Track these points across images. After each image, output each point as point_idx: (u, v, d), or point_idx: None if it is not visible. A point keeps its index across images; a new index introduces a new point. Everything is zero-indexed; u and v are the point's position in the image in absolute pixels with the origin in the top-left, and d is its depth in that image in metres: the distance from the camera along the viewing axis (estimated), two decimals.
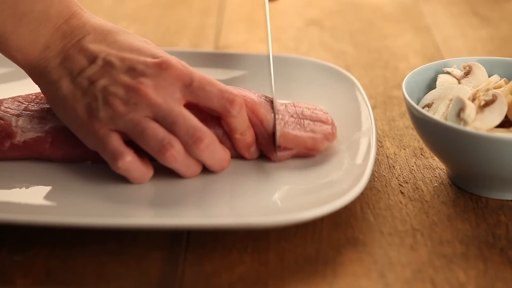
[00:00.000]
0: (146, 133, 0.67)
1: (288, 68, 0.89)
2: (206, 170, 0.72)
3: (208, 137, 0.68)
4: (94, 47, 0.70)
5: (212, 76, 0.80)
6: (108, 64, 0.69)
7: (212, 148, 0.68)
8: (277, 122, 0.73)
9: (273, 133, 0.73)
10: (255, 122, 0.73)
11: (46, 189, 0.69)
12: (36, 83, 0.72)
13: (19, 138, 0.72)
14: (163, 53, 0.70)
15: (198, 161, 0.69)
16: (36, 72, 0.71)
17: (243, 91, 0.74)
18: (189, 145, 0.67)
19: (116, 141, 0.67)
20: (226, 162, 0.71)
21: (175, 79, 0.68)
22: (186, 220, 0.64)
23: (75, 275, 0.62)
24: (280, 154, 0.73)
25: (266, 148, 0.73)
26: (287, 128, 0.73)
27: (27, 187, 0.69)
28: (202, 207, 0.67)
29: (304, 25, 1.13)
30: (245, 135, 0.72)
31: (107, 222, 0.63)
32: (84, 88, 0.69)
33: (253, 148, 0.73)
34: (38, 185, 0.70)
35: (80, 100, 0.68)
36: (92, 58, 0.70)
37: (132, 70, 0.68)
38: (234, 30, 1.11)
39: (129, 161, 0.67)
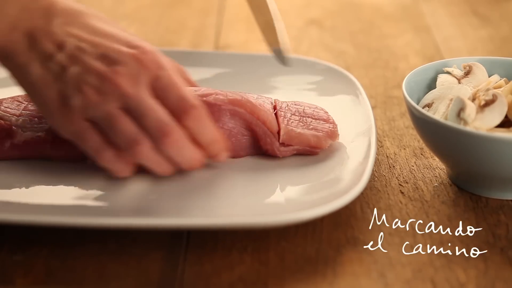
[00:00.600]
0: (116, 128, 0.66)
1: (288, 68, 0.89)
2: (205, 169, 0.72)
3: (175, 132, 0.67)
4: (64, 30, 0.68)
5: (212, 75, 0.80)
6: (79, 49, 0.67)
7: (180, 145, 0.67)
8: (280, 120, 0.74)
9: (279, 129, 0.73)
10: (256, 123, 0.73)
11: (46, 189, 0.69)
12: (3, 66, 0.69)
13: (19, 138, 0.72)
14: (137, 41, 0.69)
15: (169, 158, 0.68)
16: (2, 55, 0.68)
17: (238, 94, 0.74)
18: (156, 139, 0.67)
19: (95, 135, 0.67)
20: (197, 162, 0.69)
21: (145, 70, 0.67)
22: (186, 220, 0.64)
23: (75, 275, 0.62)
24: (283, 149, 0.73)
25: (272, 146, 0.73)
26: (290, 126, 0.73)
27: (27, 187, 0.69)
28: (202, 207, 0.67)
29: (304, 25, 1.13)
30: (209, 146, 0.69)
31: (107, 222, 0.63)
32: (55, 73, 0.67)
33: (223, 155, 0.70)
34: (38, 185, 0.70)
35: (51, 86, 0.67)
36: (62, 42, 0.68)
37: (105, 57, 0.67)
38: (234, 30, 1.11)
39: (111, 153, 0.67)
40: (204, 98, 0.72)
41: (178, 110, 0.67)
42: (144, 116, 0.66)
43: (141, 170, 0.69)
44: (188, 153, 0.68)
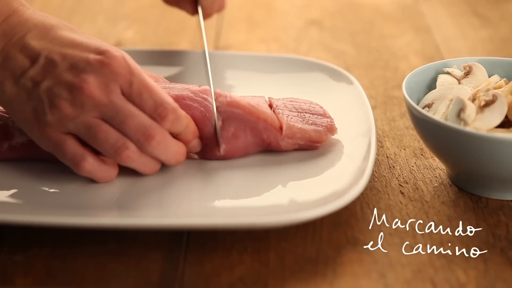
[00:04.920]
0: (98, 137, 0.66)
1: (288, 68, 0.89)
2: (205, 170, 0.72)
3: (158, 133, 0.67)
4: (36, 44, 0.68)
5: (212, 76, 0.80)
6: (50, 63, 0.67)
7: (165, 144, 0.68)
8: (279, 116, 0.74)
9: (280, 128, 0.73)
10: (257, 121, 0.72)
11: (46, 189, 0.69)
12: None
13: (17, 139, 0.72)
14: (107, 47, 0.68)
15: (155, 157, 0.69)
16: None
17: (235, 97, 0.73)
18: (141, 143, 0.67)
19: (73, 145, 0.67)
20: (181, 156, 0.70)
21: (116, 75, 0.67)
22: (186, 220, 0.64)
23: (75, 275, 0.62)
24: (286, 140, 0.73)
25: (275, 139, 0.73)
26: (291, 122, 0.74)
27: (27, 187, 0.69)
28: (202, 207, 0.67)
29: (304, 25, 1.13)
30: (183, 134, 0.70)
31: (107, 222, 0.63)
32: (29, 90, 0.67)
33: (194, 143, 0.72)
34: (38, 185, 0.70)
35: (26, 103, 0.67)
36: (34, 57, 0.68)
37: (74, 67, 0.67)
38: (234, 30, 1.11)
39: (90, 163, 0.67)
40: (204, 95, 0.72)
41: (155, 116, 0.67)
42: (124, 122, 0.66)
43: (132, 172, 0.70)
44: (173, 150, 0.69)
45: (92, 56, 0.67)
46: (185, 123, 0.70)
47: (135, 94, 0.67)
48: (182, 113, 0.69)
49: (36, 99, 0.67)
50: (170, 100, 0.68)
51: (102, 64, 0.67)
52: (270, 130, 0.73)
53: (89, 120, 0.66)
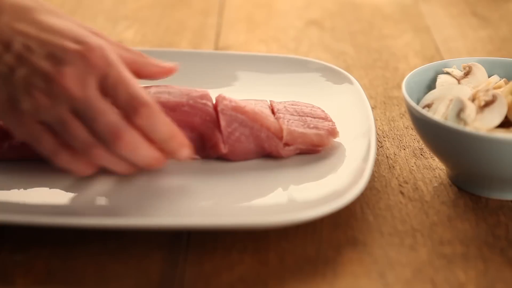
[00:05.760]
0: (69, 133, 0.65)
1: (288, 68, 0.89)
2: (206, 170, 0.72)
3: (127, 134, 0.65)
4: (11, 27, 0.66)
5: (212, 76, 0.80)
6: (26, 49, 0.65)
7: (133, 146, 0.65)
8: (280, 121, 0.74)
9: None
10: (260, 129, 0.72)
11: (46, 189, 0.69)
12: None
13: (17, 139, 0.72)
14: (86, 37, 0.66)
15: (125, 159, 0.67)
16: None
17: (240, 102, 0.73)
18: (108, 143, 0.65)
19: (49, 137, 0.66)
20: (154, 161, 0.67)
21: (93, 68, 0.65)
22: (186, 220, 0.64)
23: (75, 275, 0.62)
24: (287, 149, 0.73)
25: (276, 148, 0.73)
26: (291, 126, 0.73)
27: (27, 187, 0.69)
28: (203, 207, 0.67)
29: (304, 26, 1.13)
30: (166, 143, 0.67)
31: (107, 222, 0.63)
32: (4, 75, 0.65)
33: (183, 152, 0.68)
34: (38, 185, 0.70)
35: (1, 89, 0.65)
36: (10, 41, 0.66)
37: (52, 56, 0.65)
38: (234, 30, 1.11)
39: (68, 156, 0.66)
40: (204, 101, 0.72)
41: (128, 109, 0.65)
42: (93, 119, 0.65)
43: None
44: (143, 153, 0.66)
45: (70, 46, 0.65)
46: (162, 122, 0.66)
47: (111, 86, 0.65)
48: (163, 117, 0.66)
49: (11, 86, 0.65)
50: (145, 95, 0.66)
51: (80, 55, 0.65)
52: (272, 139, 0.73)
53: (61, 113, 0.65)
